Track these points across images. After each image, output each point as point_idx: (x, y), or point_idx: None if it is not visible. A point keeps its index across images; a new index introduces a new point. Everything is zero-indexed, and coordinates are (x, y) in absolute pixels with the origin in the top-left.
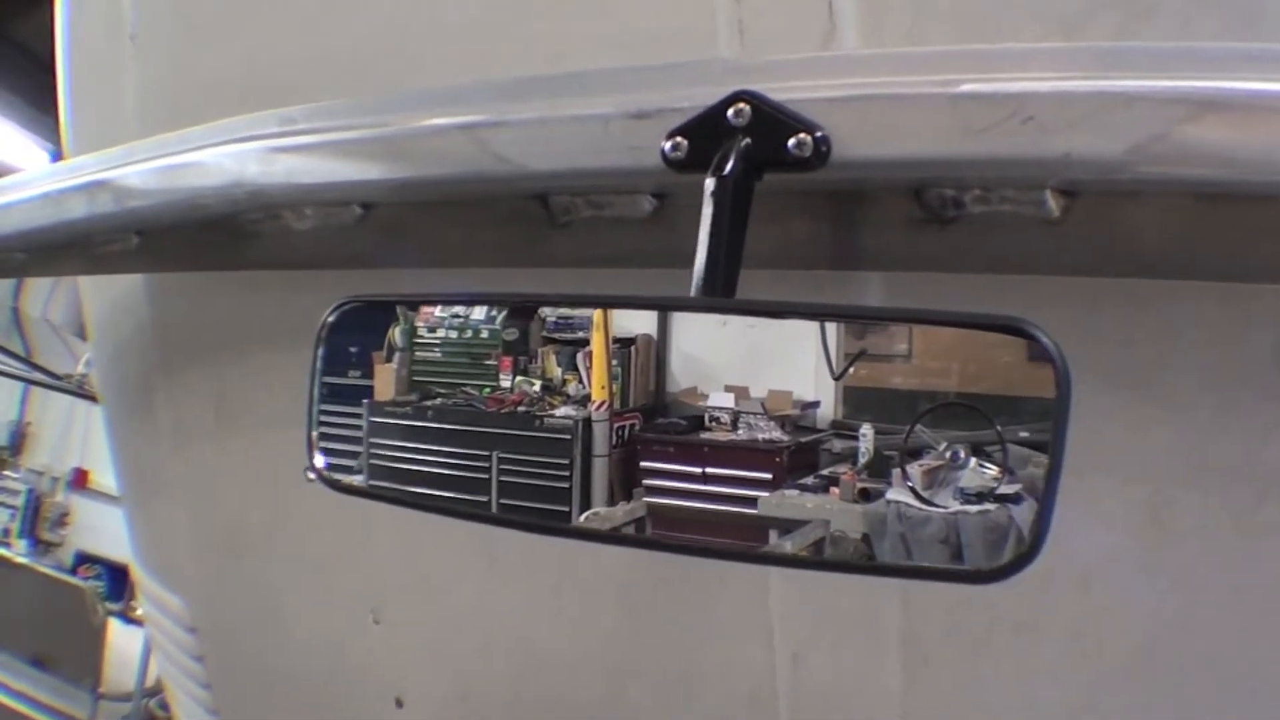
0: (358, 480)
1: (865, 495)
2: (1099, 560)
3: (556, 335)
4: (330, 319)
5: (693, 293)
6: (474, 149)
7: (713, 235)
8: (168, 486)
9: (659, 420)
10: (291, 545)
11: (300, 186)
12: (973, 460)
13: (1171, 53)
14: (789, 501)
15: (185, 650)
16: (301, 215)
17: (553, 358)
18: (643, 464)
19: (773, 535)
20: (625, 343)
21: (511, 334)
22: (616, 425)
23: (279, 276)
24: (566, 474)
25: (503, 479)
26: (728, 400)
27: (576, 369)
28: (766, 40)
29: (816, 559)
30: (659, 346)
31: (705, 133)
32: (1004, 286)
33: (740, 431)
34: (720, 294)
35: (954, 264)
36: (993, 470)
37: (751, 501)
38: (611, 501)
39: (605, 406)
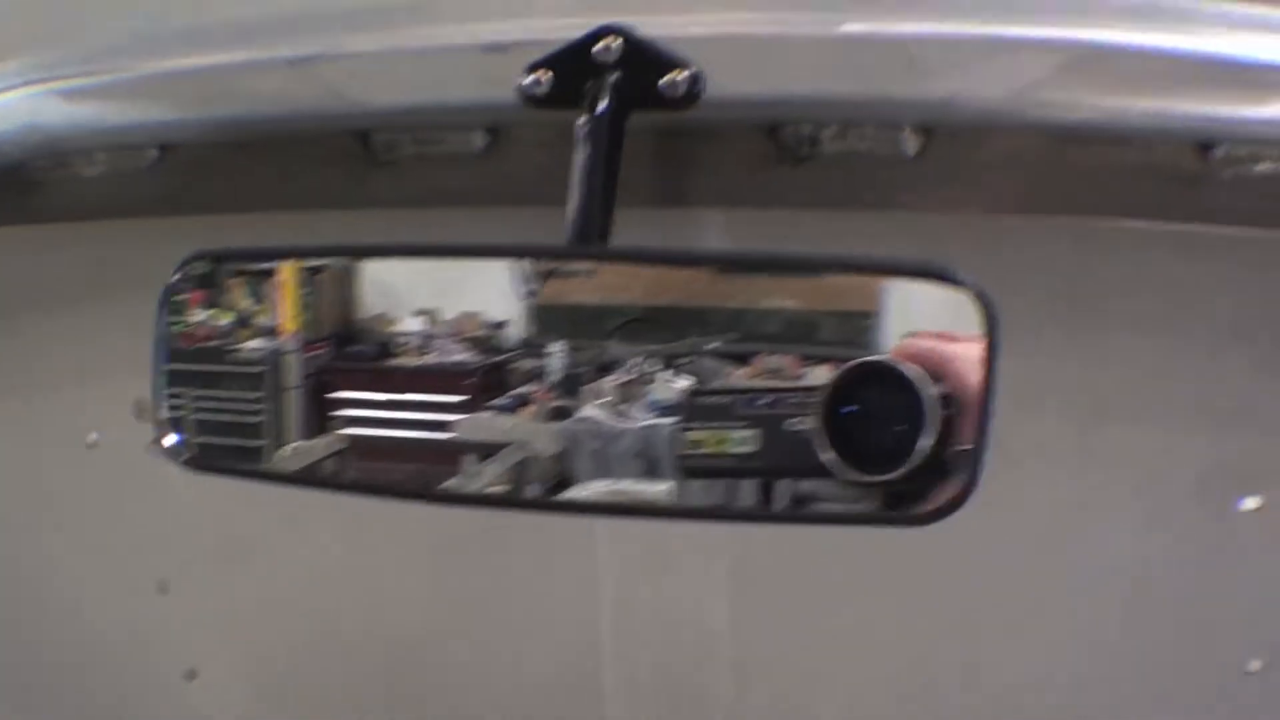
0: (227, 459)
1: (559, 413)
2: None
3: (244, 266)
4: (175, 278)
5: (567, 240)
6: (305, 84)
7: (587, 178)
8: None
9: (349, 349)
10: (70, 516)
11: (101, 129)
12: (666, 373)
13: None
14: (483, 423)
15: None
16: (92, 161)
17: (241, 289)
18: (336, 394)
19: (469, 461)
20: (314, 270)
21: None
22: (308, 356)
23: (61, 231)
24: (259, 408)
25: (197, 417)
26: (417, 324)
27: (266, 300)
28: None
29: (724, 509)
30: (348, 273)
31: (570, 68)
32: (857, 223)
33: (430, 356)
34: (596, 241)
35: (807, 201)
36: (685, 382)
37: (447, 426)
38: (309, 435)
39: (295, 337)
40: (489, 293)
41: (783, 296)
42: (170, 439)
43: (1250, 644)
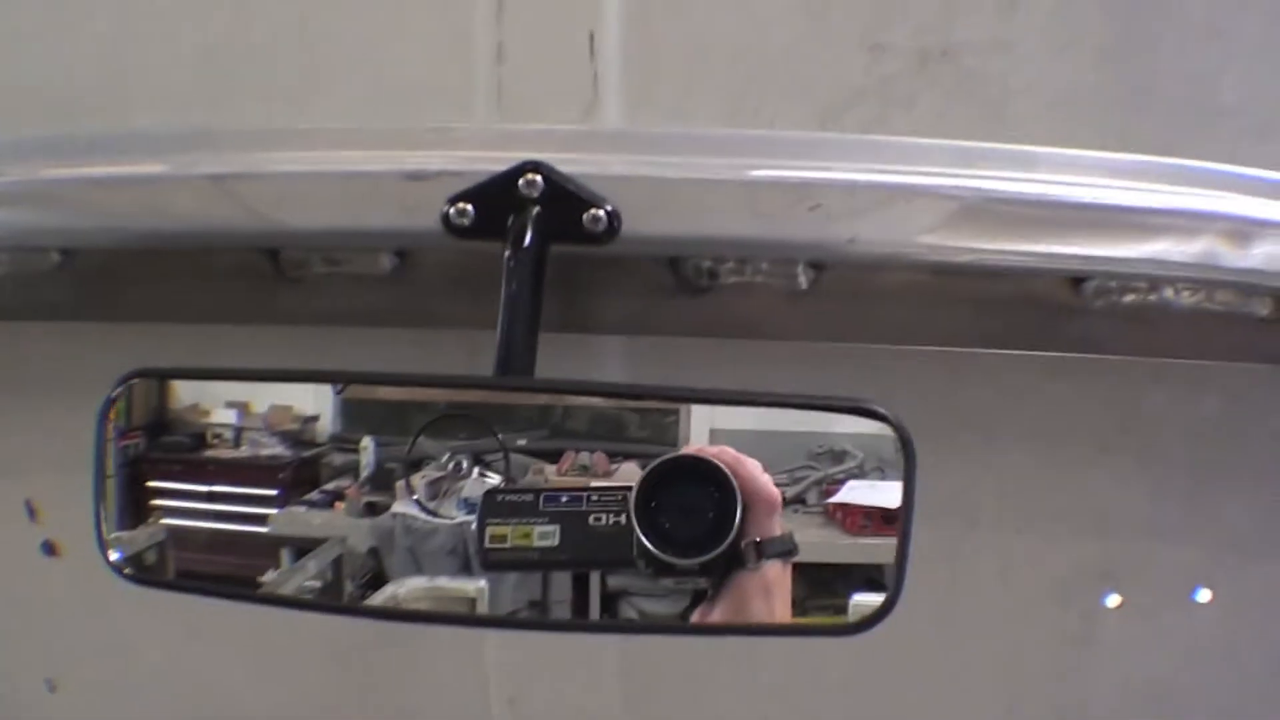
0: (171, 574)
1: (372, 509)
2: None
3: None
4: (115, 395)
5: (493, 371)
6: (221, 200)
7: (512, 311)
8: None
9: (164, 438)
10: None
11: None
12: (475, 470)
13: (947, 150)
14: (298, 518)
15: None
16: None
17: None
18: (150, 484)
19: (285, 555)
20: None
21: None
22: (123, 444)
23: None
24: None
25: None
26: (231, 416)
27: None
28: (526, 106)
29: (633, 624)
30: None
31: (493, 201)
32: (752, 350)
33: (244, 448)
34: (522, 372)
35: (704, 329)
36: (495, 479)
37: (262, 519)
38: (130, 525)
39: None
40: (300, 386)
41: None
42: (114, 554)
43: None
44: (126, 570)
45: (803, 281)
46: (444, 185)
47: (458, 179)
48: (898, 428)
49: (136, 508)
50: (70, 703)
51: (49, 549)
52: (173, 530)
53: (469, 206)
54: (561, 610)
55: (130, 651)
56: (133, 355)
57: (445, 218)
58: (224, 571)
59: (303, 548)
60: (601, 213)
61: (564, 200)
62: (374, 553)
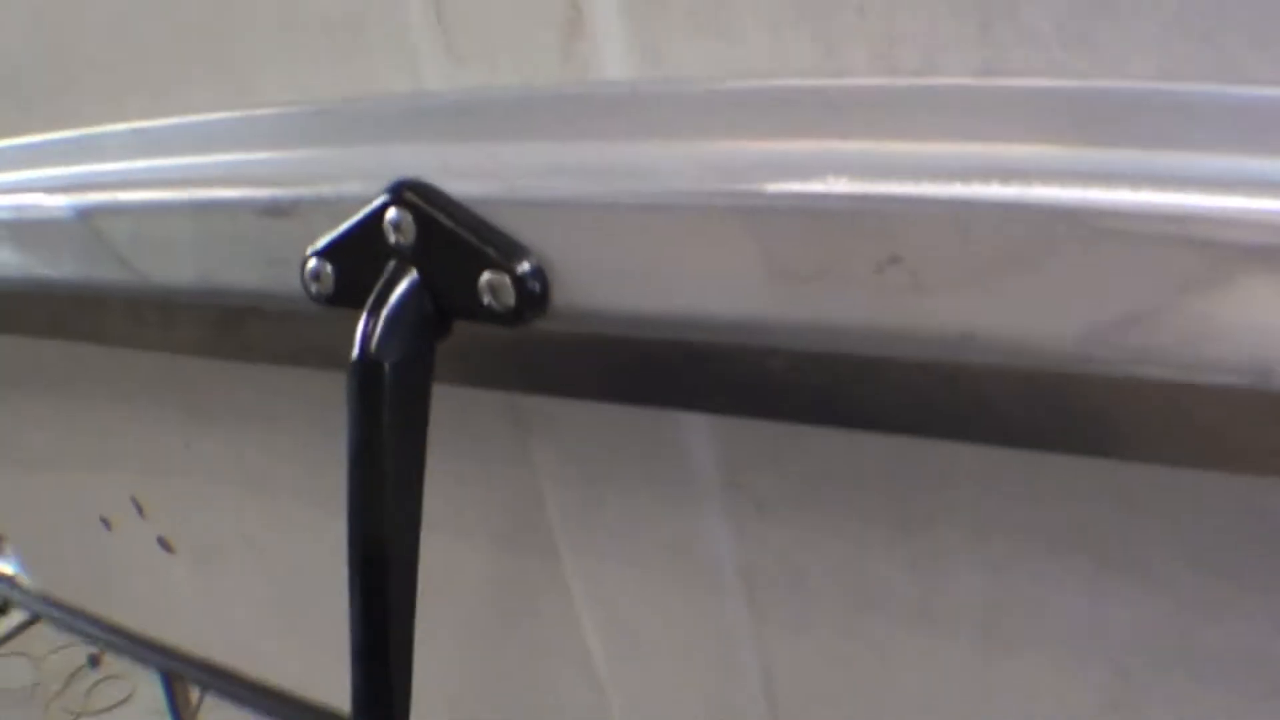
0: None
1: None
2: None
3: None
4: None
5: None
6: (95, 244)
7: (367, 526)
8: None
9: None
10: None
11: None
12: None
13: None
14: None
15: None
16: None
17: None
18: None
19: None
20: None
21: None
22: None
23: None
24: None
25: None
26: None
27: None
28: (471, 41)
29: None
30: None
31: (361, 252)
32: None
33: None
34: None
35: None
36: None
37: None
38: None
39: None
40: None
41: None
42: None
43: None
44: None
45: None
46: (309, 222)
47: (327, 211)
48: None
49: None
50: None
51: None
52: None
53: (328, 266)
54: None
55: None
56: None
57: (304, 284)
58: None
59: None
60: (504, 278)
61: (446, 252)
62: None
